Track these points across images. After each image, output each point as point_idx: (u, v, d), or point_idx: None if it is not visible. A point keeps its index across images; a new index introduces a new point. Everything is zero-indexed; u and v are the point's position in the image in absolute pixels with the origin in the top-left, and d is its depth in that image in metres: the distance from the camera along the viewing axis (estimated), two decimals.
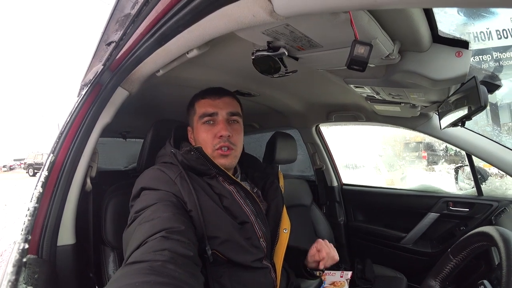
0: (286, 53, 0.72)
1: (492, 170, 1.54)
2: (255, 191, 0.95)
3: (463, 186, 1.61)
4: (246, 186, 0.91)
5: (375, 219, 1.88)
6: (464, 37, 0.70)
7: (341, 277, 1.49)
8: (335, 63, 0.82)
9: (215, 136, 0.85)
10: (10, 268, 0.50)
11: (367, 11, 0.54)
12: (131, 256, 0.57)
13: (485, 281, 0.78)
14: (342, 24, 0.57)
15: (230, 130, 0.86)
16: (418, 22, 0.59)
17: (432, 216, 1.57)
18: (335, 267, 1.74)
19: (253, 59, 0.71)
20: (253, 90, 1.32)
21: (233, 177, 0.85)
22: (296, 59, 0.82)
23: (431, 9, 0.59)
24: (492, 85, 0.78)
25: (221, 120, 0.86)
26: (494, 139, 1.31)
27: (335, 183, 2.02)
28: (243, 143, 0.94)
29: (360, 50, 0.49)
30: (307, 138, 1.97)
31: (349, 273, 1.50)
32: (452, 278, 0.81)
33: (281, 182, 1.05)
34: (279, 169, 1.07)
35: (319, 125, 1.95)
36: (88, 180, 0.88)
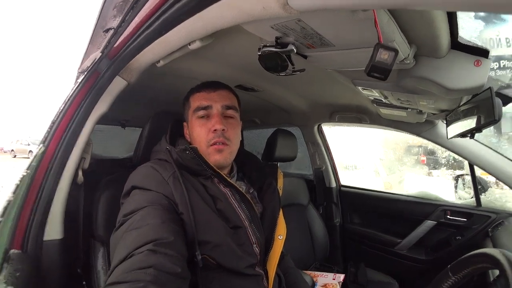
0: (295, 50, 0.68)
1: (491, 180, 1.52)
2: (251, 191, 0.91)
3: (462, 195, 1.60)
4: (242, 186, 0.88)
5: (371, 222, 1.87)
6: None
7: (333, 279, 1.48)
8: (347, 64, 0.78)
9: (209, 131, 0.81)
10: None
11: (388, 10, 0.50)
12: (114, 272, 0.54)
13: None
14: (359, 23, 0.53)
15: (225, 124, 0.82)
16: (439, 26, 0.54)
17: (428, 223, 1.56)
18: (328, 269, 1.75)
19: (259, 55, 0.67)
20: (257, 85, 1.28)
21: (228, 179, 0.81)
22: (305, 57, 0.77)
23: (455, 13, 0.55)
24: (507, 98, 0.74)
25: (216, 114, 0.83)
26: (497, 150, 1.29)
27: (334, 184, 2.00)
28: (240, 139, 0.90)
29: (384, 55, 0.45)
30: (308, 137, 1.94)
31: (342, 276, 1.49)
32: None
33: (280, 183, 1.01)
34: (279, 169, 1.04)
35: (321, 125, 1.91)
36: (80, 173, 0.85)
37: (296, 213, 1.79)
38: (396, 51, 0.46)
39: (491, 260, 0.64)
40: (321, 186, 2.00)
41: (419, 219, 1.59)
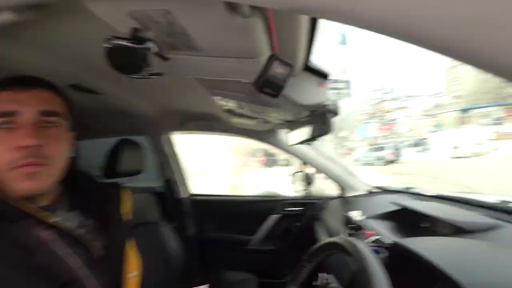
0: (156, 49, 0.55)
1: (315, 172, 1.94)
2: (87, 224, 0.67)
3: (297, 188, 1.95)
4: (74, 219, 0.64)
5: (225, 226, 1.93)
6: None
7: None
8: (211, 73, 0.72)
9: (14, 148, 0.54)
10: None
11: (265, 22, 0.47)
12: None
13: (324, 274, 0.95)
14: (234, 30, 0.48)
15: (43, 136, 0.57)
16: (301, 47, 0.59)
17: (274, 217, 1.79)
18: (189, 284, 1.65)
19: (107, 48, 0.49)
20: (99, 86, 0.99)
21: (46, 220, 0.57)
22: (165, 58, 0.65)
23: (313, 38, 0.60)
24: (334, 113, 0.93)
25: (27, 123, 0.56)
26: (320, 151, 1.66)
27: (185, 194, 1.93)
28: (69, 155, 0.65)
29: (279, 69, 0.41)
30: (157, 147, 1.78)
31: (205, 287, 1.45)
32: (307, 279, 0.91)
33: (126, 208, 0.80)
34: (123, 189, 0.82)
35: (171, 134, 1.81)
36: None
37: (147, 232, 1.56)
38: (291, 67, 0.43)
39: (336, 246, 0.77)
40: (172, 198, 1.89)
41: (266, 215, 1.80)
